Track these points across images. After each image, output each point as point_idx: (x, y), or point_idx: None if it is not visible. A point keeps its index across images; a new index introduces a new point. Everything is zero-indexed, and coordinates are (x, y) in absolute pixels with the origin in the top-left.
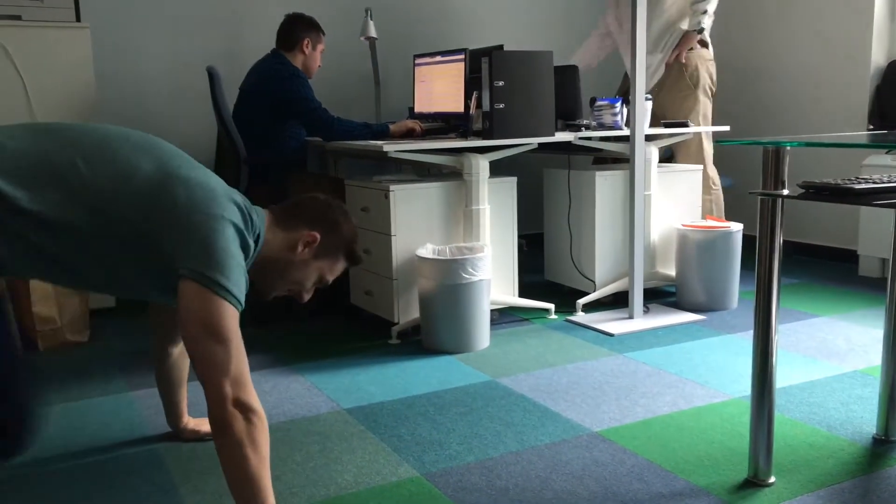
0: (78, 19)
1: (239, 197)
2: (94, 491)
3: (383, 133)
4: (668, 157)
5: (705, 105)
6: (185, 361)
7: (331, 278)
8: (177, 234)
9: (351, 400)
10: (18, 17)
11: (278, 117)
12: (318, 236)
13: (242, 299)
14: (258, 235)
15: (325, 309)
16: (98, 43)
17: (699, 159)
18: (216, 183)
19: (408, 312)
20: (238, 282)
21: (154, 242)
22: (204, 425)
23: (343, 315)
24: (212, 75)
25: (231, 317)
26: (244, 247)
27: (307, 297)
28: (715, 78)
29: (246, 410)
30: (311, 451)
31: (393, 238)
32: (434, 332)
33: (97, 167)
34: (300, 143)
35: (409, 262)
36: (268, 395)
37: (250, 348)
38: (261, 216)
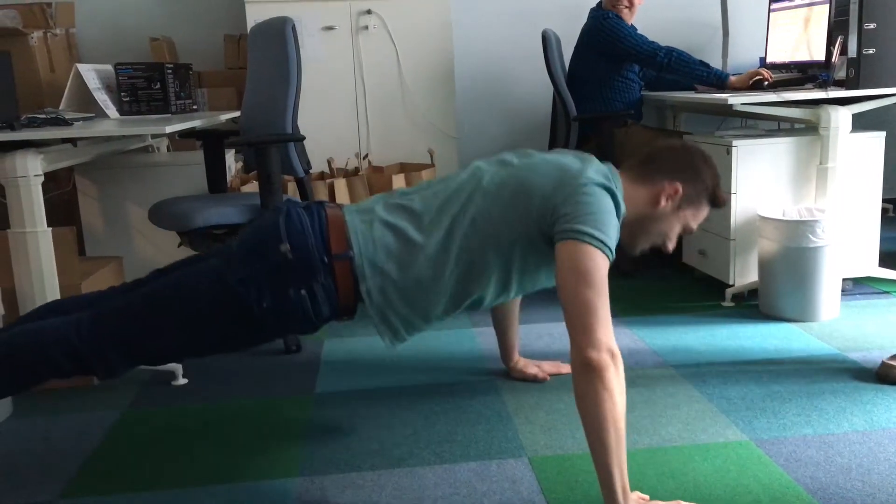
0: None
1: (595, 161)
2: (444, 407)
3: (720, 79)
4: None
5: None
6: (515, 305)
7: (695, 225)
8: (553, 211)
9: (678, 357)
10: None
11: (605, 70)
12: (679, 188)
13: (614, 249)
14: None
15: (655, 266)
16: (455, 5)
17: None
18: (562, 158)
19: (744, 275)
20: (611, 234)
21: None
22: (530, 367)
23: (674, 273)
24: (545, 38)
25: (604, 266)
26: (615, 203)
27: (672, 246)
28: None
29: (615, 358)
30: (636, 402)
31: (733, 196)
32: (774, 298)
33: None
34: (629, 99)
35: (750, 223)
36: None
37: None
38: (616, 175)
